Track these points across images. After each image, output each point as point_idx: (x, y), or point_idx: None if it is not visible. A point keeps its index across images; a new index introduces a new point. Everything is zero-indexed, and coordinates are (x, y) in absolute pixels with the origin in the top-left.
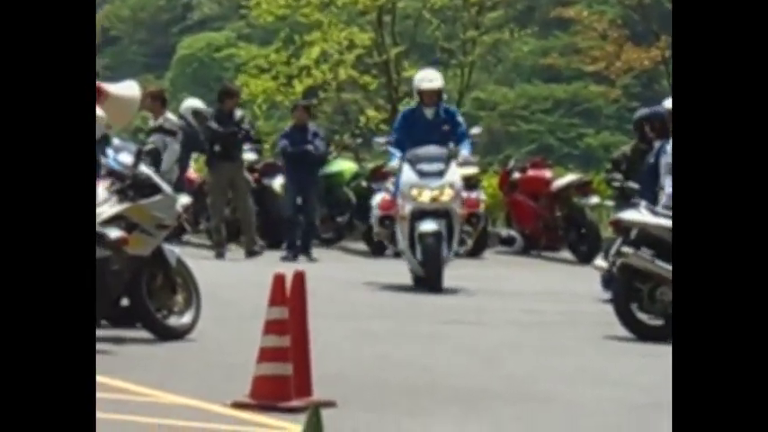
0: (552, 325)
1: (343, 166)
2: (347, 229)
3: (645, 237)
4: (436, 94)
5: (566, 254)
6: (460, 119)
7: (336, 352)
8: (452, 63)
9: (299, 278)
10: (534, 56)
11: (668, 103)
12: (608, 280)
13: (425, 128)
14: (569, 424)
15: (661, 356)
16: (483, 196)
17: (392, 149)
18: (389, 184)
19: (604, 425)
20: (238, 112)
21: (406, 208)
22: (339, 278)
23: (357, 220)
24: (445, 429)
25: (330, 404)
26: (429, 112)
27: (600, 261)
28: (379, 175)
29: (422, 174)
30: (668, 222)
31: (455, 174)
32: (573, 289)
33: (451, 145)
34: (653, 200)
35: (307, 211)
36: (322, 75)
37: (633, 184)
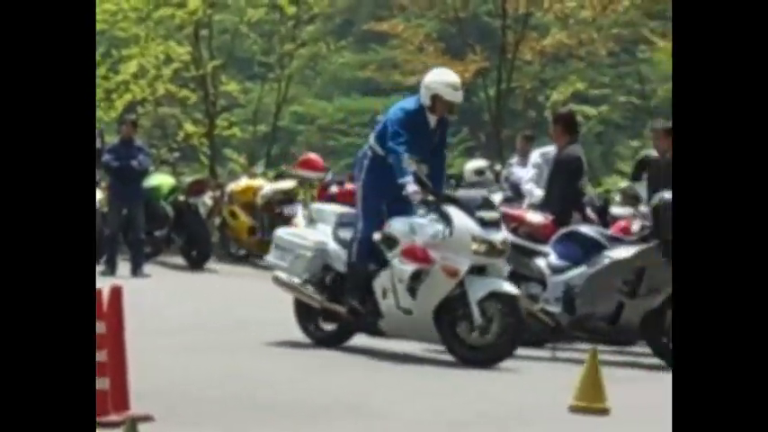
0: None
1: (161, 180)
2: (165, 243)
3: None
4: (452, 108)
5: None
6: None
7: (155, 366)
8: (270, 77)
9: (116, 293)
10: (353, 69)
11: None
12: None
13: (425, 136)
14: None
15: (499, 369)
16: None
17: (407, 168)
18: (348, 214)
19: None
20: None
21: (463, 263)
22: (158, 293)
23: (175, 235)
24: None
25: (148, 418)
26: (433, 120)
27: None
28: (196, 189)
29: (484, 223)
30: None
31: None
32: None
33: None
34: None
35: (134, 227)
36: (140, 90)
37: None
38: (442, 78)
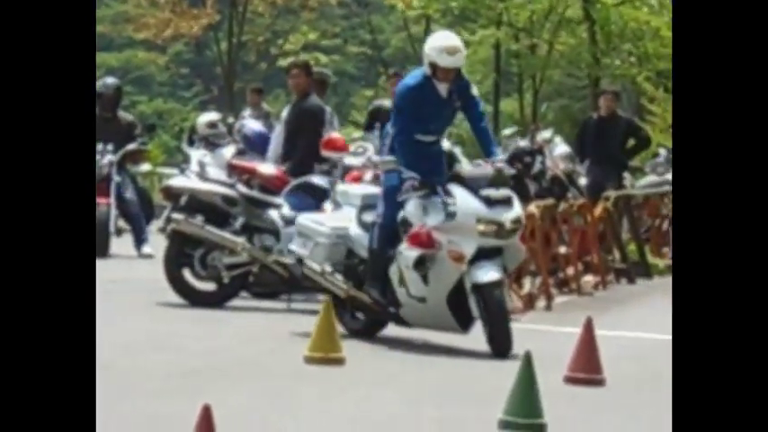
0: (106, 292)
1: None
2: None
3: (195, 203)
4: (456, 72)
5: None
6: (475, 91)
7: None
8: None
9: None
10: None
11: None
12: None
13: (437, 107)
14: (125, 391)
15: (213, 321)
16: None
17: (404, 173)
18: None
19: (159, 391)
20: None
21: (469, 246)
22: None
23: None
24: None
25: None
26: (443, 88)
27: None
28: None
29: (490, 202)
30: (217, 188)
31: (518, 201)
32: (128, 253)
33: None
34: None
35: None
36: None
37: None
38: (436, 44)
